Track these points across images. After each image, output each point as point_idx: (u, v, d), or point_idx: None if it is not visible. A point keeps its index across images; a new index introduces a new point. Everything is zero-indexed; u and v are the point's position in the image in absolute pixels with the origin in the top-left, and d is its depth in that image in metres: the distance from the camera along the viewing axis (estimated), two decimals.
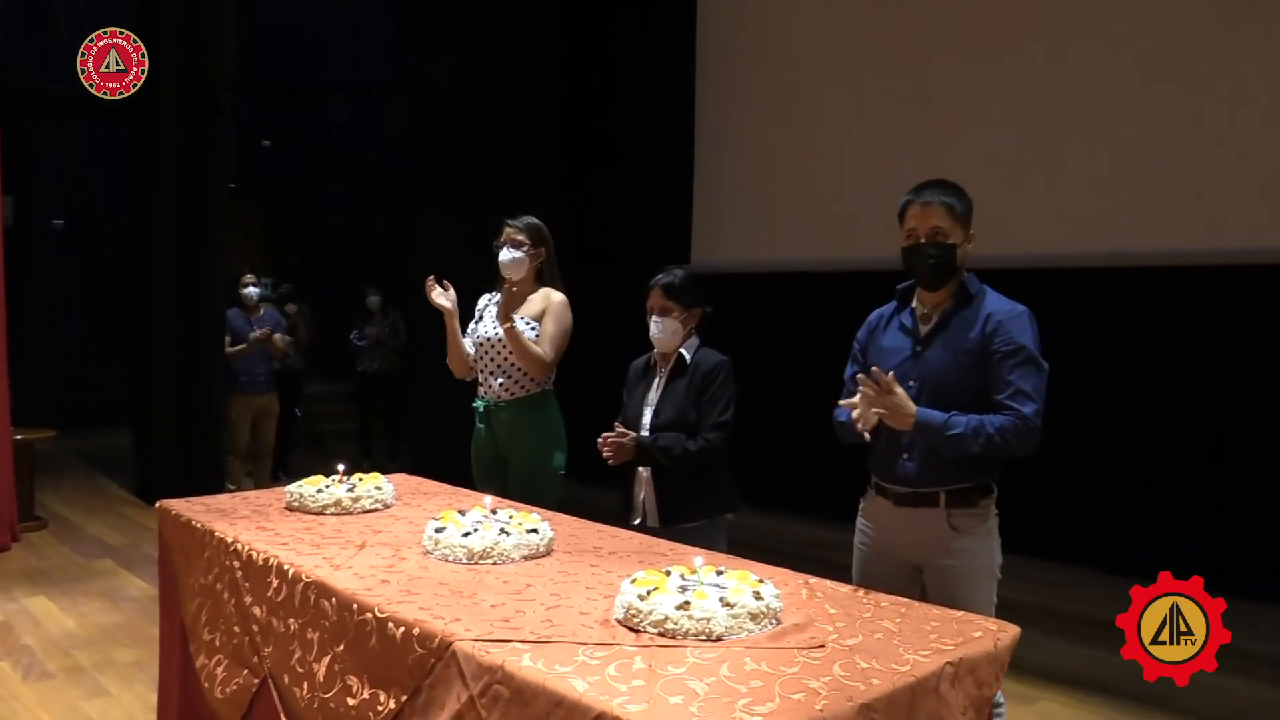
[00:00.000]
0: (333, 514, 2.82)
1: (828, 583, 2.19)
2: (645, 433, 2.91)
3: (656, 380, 2.99)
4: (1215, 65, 4.84)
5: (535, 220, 3.47)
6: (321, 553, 2.38)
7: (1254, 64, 4.72)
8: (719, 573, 1.99)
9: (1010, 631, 1.89)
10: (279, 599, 2.29)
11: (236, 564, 2.49)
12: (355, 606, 2.01)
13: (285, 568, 2.28)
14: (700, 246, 7.23)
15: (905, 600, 2.08)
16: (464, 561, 2.28)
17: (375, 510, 2.89)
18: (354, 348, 8.14)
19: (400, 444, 8.40)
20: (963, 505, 2.34)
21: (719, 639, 1.76)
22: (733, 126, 7.04)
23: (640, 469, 2.93)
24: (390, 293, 8.16)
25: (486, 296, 3.54)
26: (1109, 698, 3.52)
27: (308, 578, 2.19)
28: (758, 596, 1.86)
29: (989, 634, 1.85)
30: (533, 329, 3.37)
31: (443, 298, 3.42)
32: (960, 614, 1.98)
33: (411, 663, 1.83)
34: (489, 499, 2.55)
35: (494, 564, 2.29)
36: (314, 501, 2.84)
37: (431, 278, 3.42)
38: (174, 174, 6.06)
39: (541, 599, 2.02)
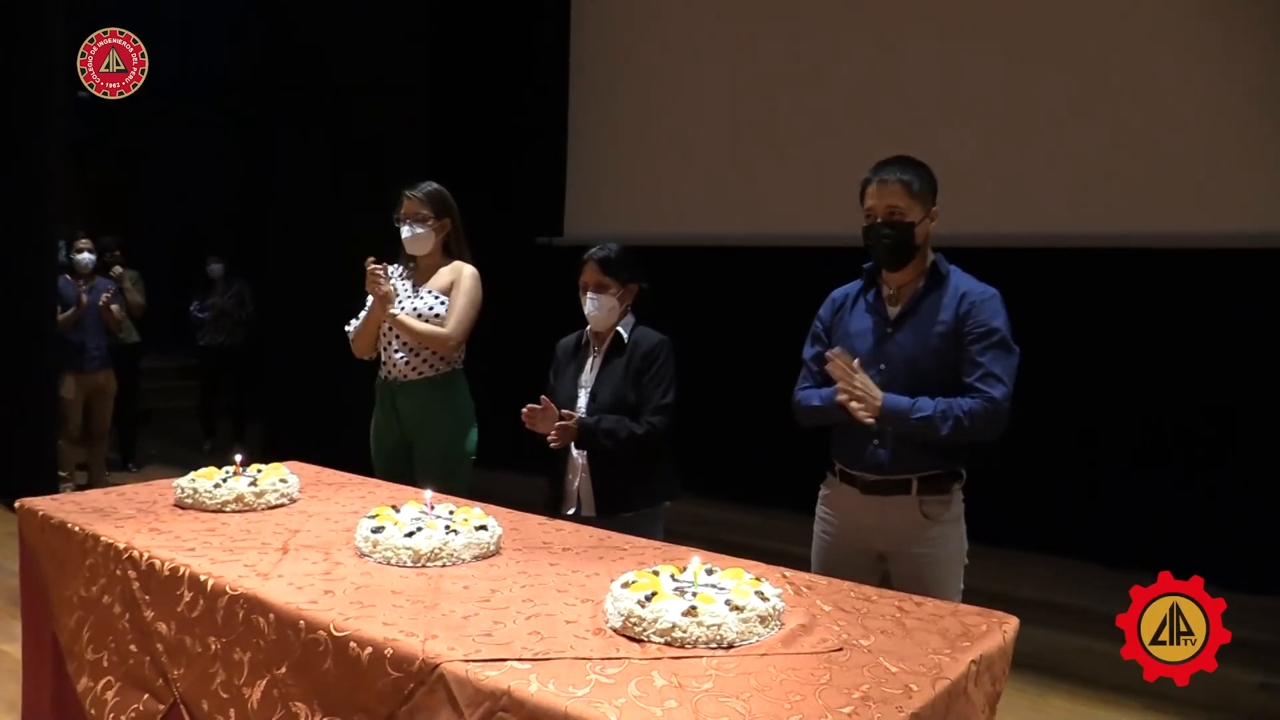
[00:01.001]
0: (233, 511, 2.51)
1: (804, 575, 2.10)
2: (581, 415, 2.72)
3: (590, 360, 2.81)
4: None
5: (436, 187, 3.20)
6: (239, 559, 2.09)
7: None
8: (709, 571, 1.86)
9: (1010, 623, 1.84)
10: (193, 614, 2.00)
11: (132, 573, 2.16)
12: (302, 624, 1.76)
13: (201, 578, 1.98)
14: (573, 218, 7.03)
15: (893, 593, 2.00)
16: (409, 565, 2.05)
17: (281, 506, 2.59)
18: (194, 320, 7.50)
19: (246, 424, 7.83)
20: (934, 492, 2.30)
21: (730, 646, 1.63)
22: (607, 94, 6.86)
23: (575, 454, 2.74)
24: (235, 261, 7.56)
25: (390, 268, 3.24)
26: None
27: (232, 590, 1.91)
28: (762, 597, 1.73)
29: (994, 627, 1.80)
30: (441, 303, 3.11)
31: (384, 283, 3.08)
32: (956, 605, 1.92)
33: (383, 688, 1.61)
34: (429, 492, 2.32)
35: (442, 566, 2.07)
36: (211, 498, 2.52)
37: (371, 260, 3.09)
38: None
39: (515, 606, 1.83)
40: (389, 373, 3.16)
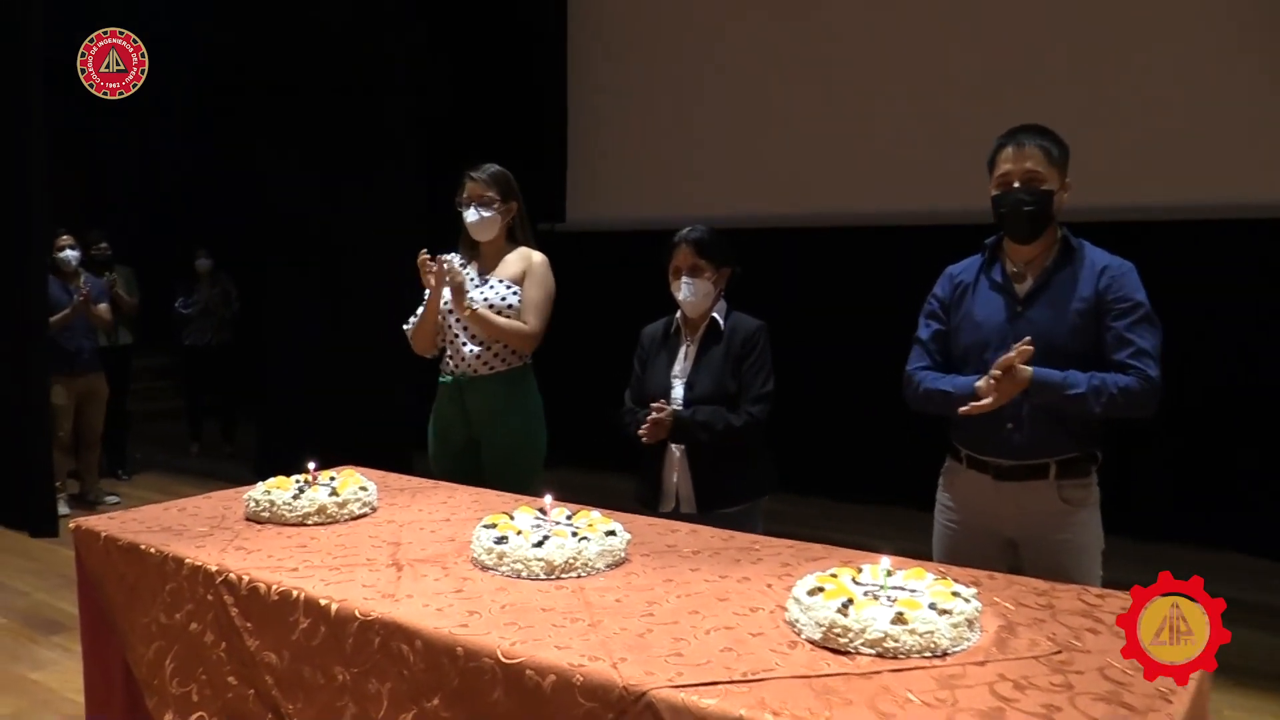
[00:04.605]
0: (316, 523, 2.33)
1: (965, 570, 1.97)
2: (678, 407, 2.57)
3: (684, 348, 2.65)
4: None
5: (500, 169, 3.01)
6: (352, 578, 1.92)
7: None
8: (888, 573, 1.72)
9: None
10: (312, 643, 1.82)
11: (228, 598, 1.97)
12: (459, 650, 1.59)
13: (321, 603, 1.80)
14: (575, 204, 6.84)
15: (1066, 585, 1.88)
16: (541, 577, 1.89)
17: (364, 515, 2.41)
18: (178, 317, 7.18)
19: (235, 425, 7.55)
20: (1074, 476, 2.18)
21: (944, 654, 1.49)
22: (607, 75, 6.66)
23: (672, 448, 2.59)
24: (222, 255, 7.25)
25: (453, 256, 3.04)
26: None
27: (363, 614, 1.74)
28: (960, 598, 1.60)
29: None
30: (514, 293, 2.93)
31: (456, 274, 2.87)
32: (1120, 592, 1.80)
33: (580, 718, 1.45)
34: (548, 497, 2.15)
35: (577, 577, 1.91)
36: (291, 510, 2.33)
37: (425, 254, 2.89)
38: None
39: (684, 620, 1.67)
40: (457, 367, 2.96)
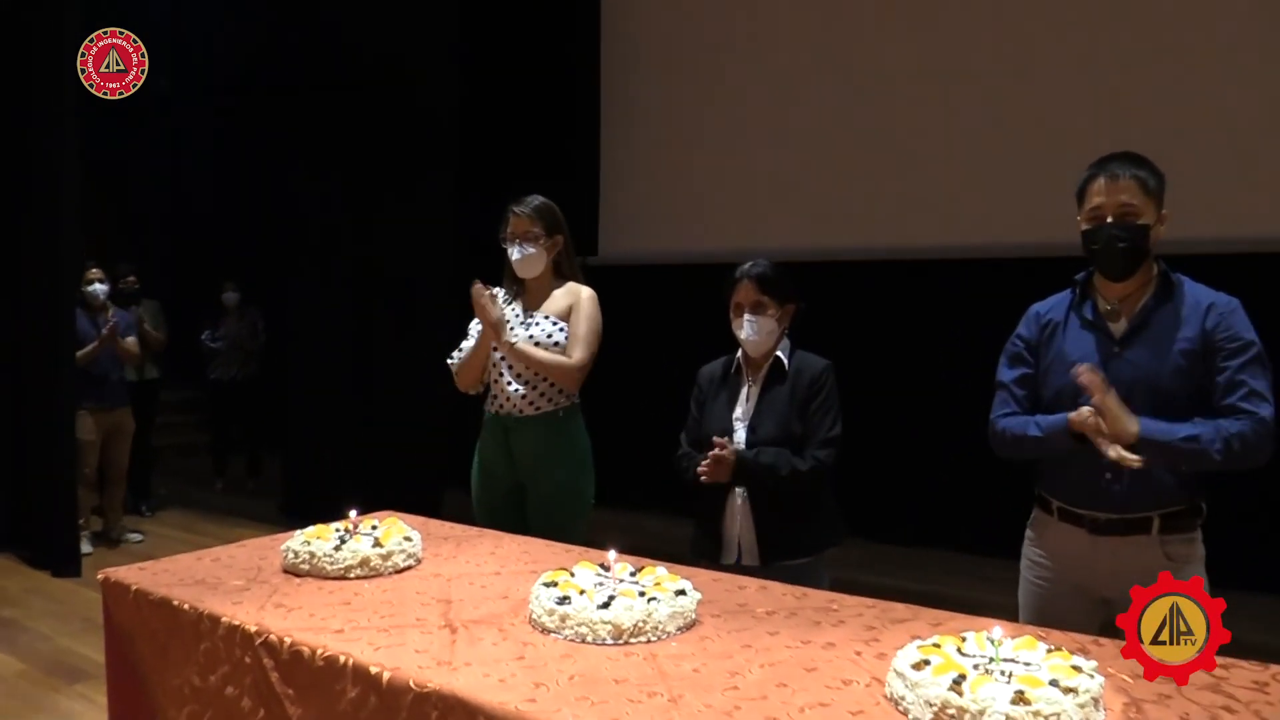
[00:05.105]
0: (358, 577, 2.19)
1: (1071, 636, 1.81)
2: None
3: (745, 389, 2.50)
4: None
5: (545, 201, 2.90)
6: (403, 641, 1.77)
7: None
8: (993, 642, 1.56)
9: None
10: (360, 714, 1.67)
11: (268, 661, 1.83)
12: None
13: (371, 671, 1.65)
14: (608, 237, 6.73)
15: None
16: (609, 642, 1.74)
17: (409, 568, 2.27)
18: (205, 351, 7.10)
19: (260, 461, 7.44)
20: (1177, 530, 2.02)
21: None
22: (640, 108, 6.58)
23: (735, 495, 2.44)
24: (249, 288, 7.17)
25: (496, 291, 2.93)
26: None
27: (419, 686, 1.59)
28: (1079, 671, 1.44)
29: None
30: (561, 330, 2.80)
31: (494, 308, 2.76)
32: (1267, 665, 1.64)
33: None
34: (613, 552, 2.00)
35: (646, 641, 1.76)
36: (332, 562, 2.19)
37: (478, 283, 2.77)
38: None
39: (773, 695, 1.51)
40: (501, 406, 2.83)
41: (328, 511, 2.49)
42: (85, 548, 5.24)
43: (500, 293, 2.90)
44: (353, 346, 5.97)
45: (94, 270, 5.40)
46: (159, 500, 6.66)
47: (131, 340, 5.57)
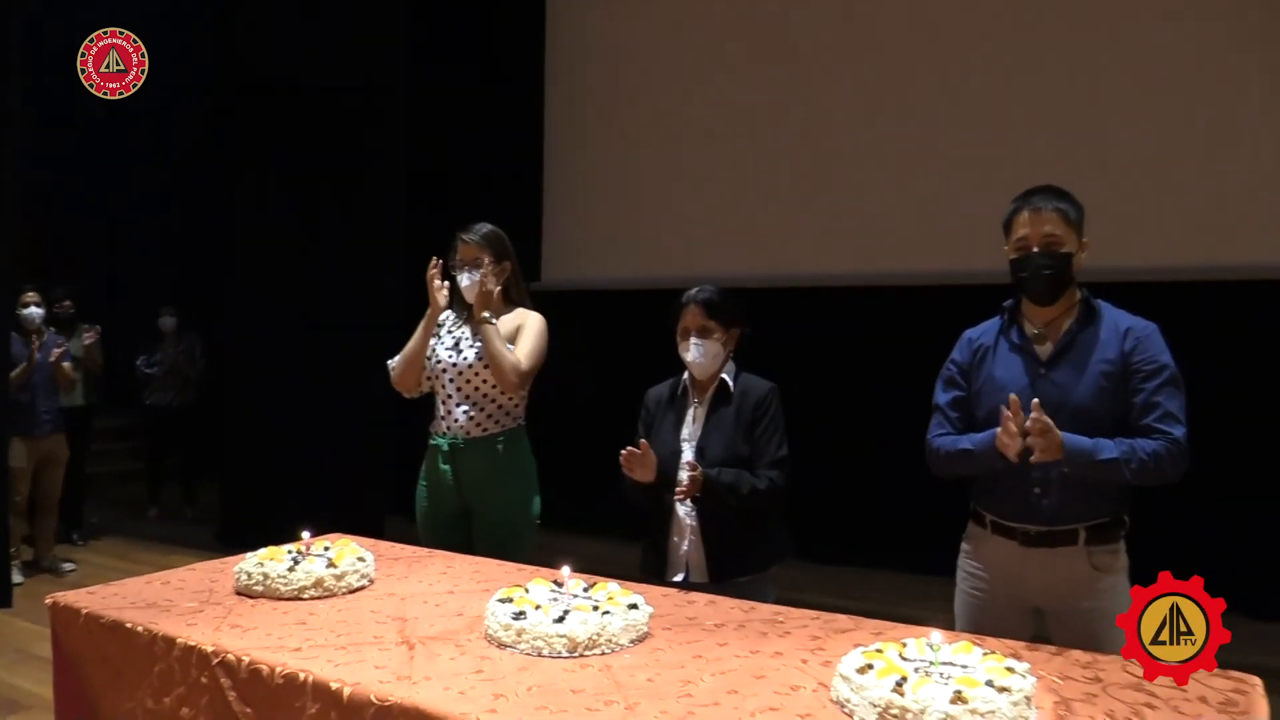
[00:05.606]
0: (312, 597, 2.21)
1: (1005, 642, 1.90)
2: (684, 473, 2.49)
3: (692, 410, 2.58)
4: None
5: (492, 229, 2.97)
6: (361, 658, 1.80)
7: None
8: (932, 647, 1.65)
9: (1256, 684, 1.68)
10: None
11: (225, 680, 1.84)
12: None
13: (332, 686, 1.68)
14: (551, 263, 6.80)
15: (1106, 656, 1.82)
16: (564, 655, 1.79)
17: (362, 588, 2.30)
18: (140, 376, 6.97)
19: (196, 488, 7.30)
20: (1103, 542, 2.14)
21: None
22: (584, 133, 6.68)
23: (681, 514, 2.51)
24: (187, 312, 7.07)
25: (448, 314, 2.98)
26: None
27: (379, 700, 1.62)
28: (1012, 672, 1.54)
29: (1249, 689, 1.62)
30: (509, 350, 2.85)
31: (441, 293, 2.86)
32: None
33: None
34: (566, 569, 2.05)
35: (600, 654, 1.81)
36: (286, 583, 2.21)
37: (436, 266, 2.86)
38: None
39: (725, 702, 1.58)
40: (448, 429, 2.87)
41: (266, 539, 2.49)
42: (16, 577, 5.11)
43: (449, 315, 2.96)
44: (293, 372, 5.92)
45: (30, 294, 5.30)
46: (91, 529, 6.50)
47: (67, 365, 5.46)
